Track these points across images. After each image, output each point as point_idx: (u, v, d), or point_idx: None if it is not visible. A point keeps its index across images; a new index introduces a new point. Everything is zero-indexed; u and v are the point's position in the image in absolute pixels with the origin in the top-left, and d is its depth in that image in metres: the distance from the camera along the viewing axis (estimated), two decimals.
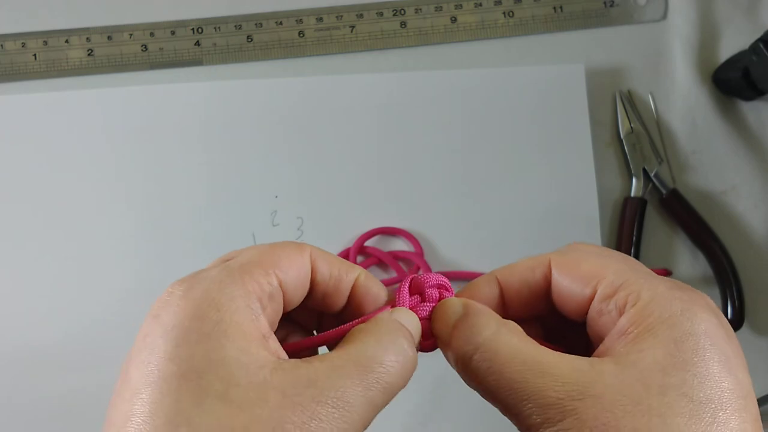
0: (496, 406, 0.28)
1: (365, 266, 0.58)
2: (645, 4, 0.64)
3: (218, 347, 0.24)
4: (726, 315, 0.58)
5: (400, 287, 0.32)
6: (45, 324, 0.57)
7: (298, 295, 0.29)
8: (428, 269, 0.57)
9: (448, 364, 0.31)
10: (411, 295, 0.32)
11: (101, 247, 0.58)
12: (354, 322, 0.29)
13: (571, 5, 0.63)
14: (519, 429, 0.27)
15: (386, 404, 0.27)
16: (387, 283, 0.57)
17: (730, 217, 0.61)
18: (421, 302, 0.32)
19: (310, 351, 0.31)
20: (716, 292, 0.59)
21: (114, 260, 0.58)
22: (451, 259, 0.58)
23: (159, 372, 0.24)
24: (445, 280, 0.32)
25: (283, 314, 0.30)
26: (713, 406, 0.25)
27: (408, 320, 0.30)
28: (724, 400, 0.25)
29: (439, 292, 0.32)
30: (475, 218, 0.59)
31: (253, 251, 0.28)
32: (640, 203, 0.60)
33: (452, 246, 0.59)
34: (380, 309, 0.31)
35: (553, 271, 0.31)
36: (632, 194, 0.60)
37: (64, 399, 0.56)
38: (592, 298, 0.29)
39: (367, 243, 0.58)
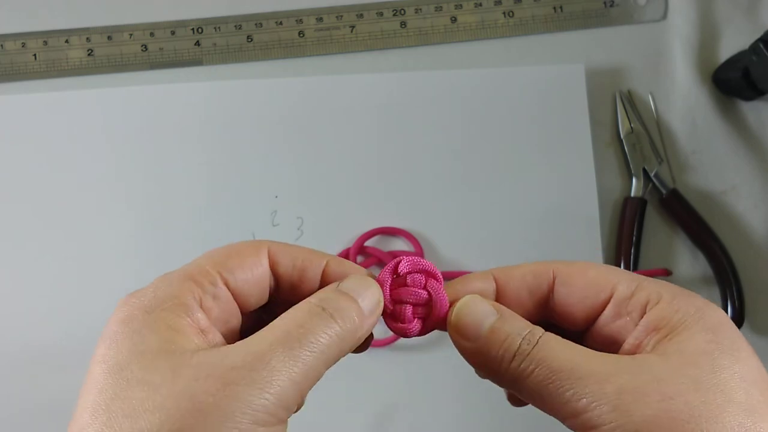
0: (539, 400, 0.28)
1: (365, 266, 0.58)
2: (645, 4, 0.64)
3: (141, 341, 0.26)
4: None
5: (384, 269, 0.31)
6: (45, 324, 0.57)
7: (256, 292, 0.30)
8: None
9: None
10: (397, 276, 0.32)
11: (101, 247, 0.58)
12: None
13: (571, 5, 0.63)
14: (566, 417, 0.26)
15: (319, 368, 0.27)
16: None
17: (730, 217, 0.61)
18: (404, 285, 0.31)
19: None
20: (716, 292, 0.59)
21: (114, 260, 0.58)
22: (451, 259, 0.58)
23: (90, 375, 0.27)
24: (433, 268, 0.32)
25: (263, 312, 0.31)
26: (761, 386, 0.26)
27: (360, 289, 0.30)
28: (766, 382, 0.27)
29: (425, 278, 0.31)
30: (475, 218, 0.59)
31: (203, 256, 0.30)
32: (640, 203, 0.60)
33: (452, 246, 0.59)
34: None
35: (558, 279, 0.31)
36: (632, 194, 0.60)
37: (64, 399, 0.56)
38: (605, 303, 0.30)
39: (367, 243, 0.58)
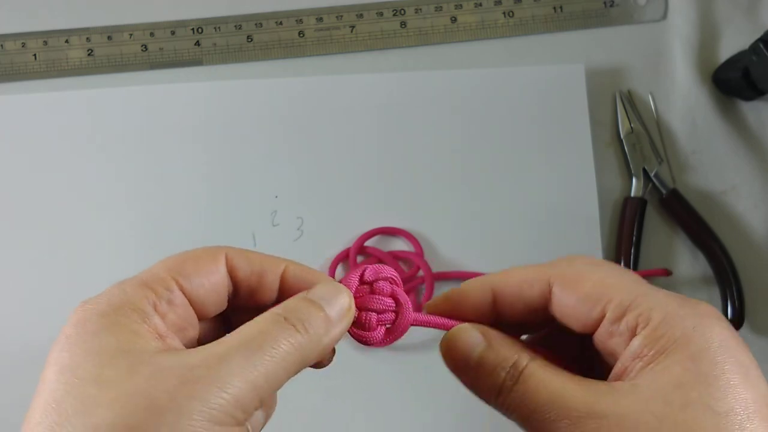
0: (526, 428, 0.28)
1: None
2: (645, 4, 0.64)
3: (97, 342, 0.26)
4: (726, 315, 0.58)
5: (347, 276, 0.31)
6: (43, 323, 0.57)
7: (213, 298, 0.30)
8: (428, 269, 0.57)
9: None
10: (361, 285, 0.31)
11: (101, 247, 0.58)
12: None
13: (571, 5, 0.63)
14: None
15: (279, 374, 0.27)
16: None
17: (730, 217, 0.61)
18: (370, 293, 0.31)
19: None
20: (716, 292, 0.59)
21: (114, 260, 0.58)
22: (451, 259, 0.58)
23: (42, 378, 0.26)
24: (397, 275, 0.32)
25: (224, 317, 0.32)
26: (739, 417, 0.25)
27: (329, 296, 0.29)
28: (749, 410, 0.25)
29: (390, 287, 0.31)
30: (475, 218, 0.59)
31: (158, 263, 0.30)
32: (640, 203, 0.60)
33: (452, 246, 0.59)
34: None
35: (555, 289, 0.31)
36: (632, 194, 0.60)
37: None
38: (599, 320, 0.29)
39: (367, 243, 0.58)
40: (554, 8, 0.63)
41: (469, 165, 0.60)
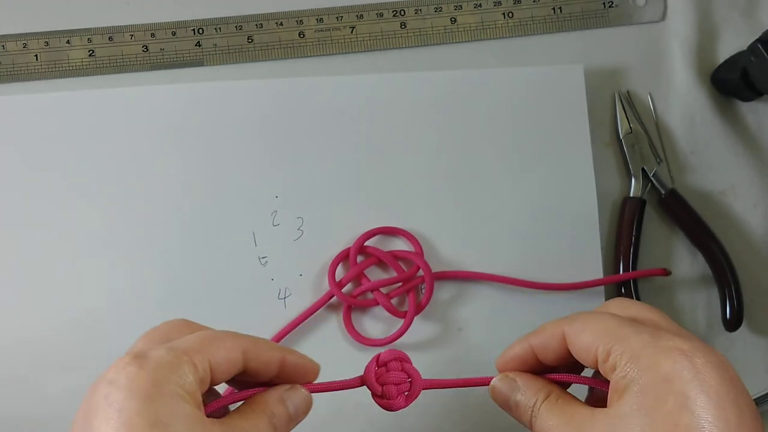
0: None
1: (365, 266, 0.58)
2: (644, 5, 0.64)
3: (179, 404, 0.32)
4: (725, 315, 0.58)
5: (368, 364, 0.40)
6: (41, 322, 0.57)
7: (226, 374, 0.36)
8: (428, 269, 0.57)
9: None
10: (378, 367, 0.40)
11: (100, 248, 0.58)
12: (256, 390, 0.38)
13: (570, 6, 0.64)
14: None
15: None
16: (386, 284, 0.57)
17: (730, 217, 0.61)
18: (387, 372, 0.40)
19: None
20: (715, 292, 0.59)
21: (113, 261, 0.58)
22: (451, 259, 0.59)
23: (130, 428, 0.30)
24: (401, 354, 0.40)
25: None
26: None
27: (295, 399, 0.38)
28: None
29: (401, 364, 0.40)
30: (475, 218, 0.59)
31: (195, 337, 0.35)
32: (639, 203, 0.60)
33: (452, 246, 0.59)
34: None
35: (567, 341, 0.38)
36: (631, 194, 0.60)
37: (52, 400, 0.56)
38: (596, 364, 0.36)
39: (367, 243, 0.58)
40: (553, 9, 0.64)
41: (468, 165, 0.60)
